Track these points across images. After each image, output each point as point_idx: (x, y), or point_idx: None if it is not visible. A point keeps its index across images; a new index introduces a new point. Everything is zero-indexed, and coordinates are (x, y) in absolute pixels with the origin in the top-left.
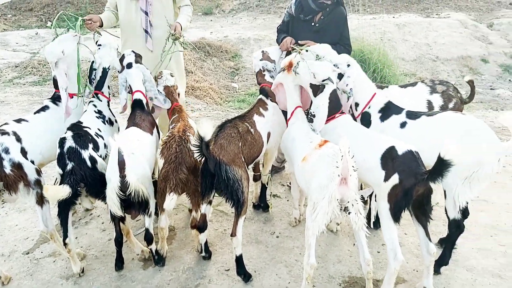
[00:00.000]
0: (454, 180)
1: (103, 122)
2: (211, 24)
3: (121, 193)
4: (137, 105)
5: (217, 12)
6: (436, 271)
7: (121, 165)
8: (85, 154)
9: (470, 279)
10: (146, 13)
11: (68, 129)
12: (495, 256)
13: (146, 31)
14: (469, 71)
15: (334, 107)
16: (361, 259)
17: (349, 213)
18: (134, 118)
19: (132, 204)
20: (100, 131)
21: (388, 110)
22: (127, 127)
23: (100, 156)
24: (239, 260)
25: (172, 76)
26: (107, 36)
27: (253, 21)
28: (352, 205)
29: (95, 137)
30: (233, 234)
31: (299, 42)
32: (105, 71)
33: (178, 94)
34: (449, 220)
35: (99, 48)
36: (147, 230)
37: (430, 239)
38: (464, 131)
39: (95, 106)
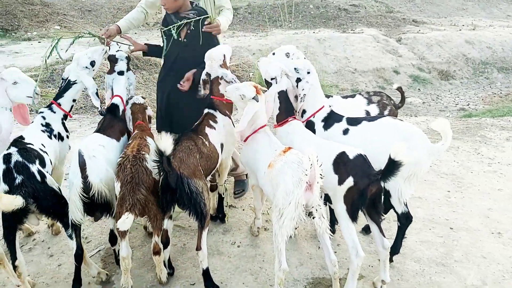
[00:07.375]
0: (395, 181)
1: (49, 137)
2: (136, 37)
3: (84, 195)
4: (111, 110)
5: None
6: (390, 260)
7: (82, 165)
8: (34, 168)
9: (419, 270)
10: None
11: (11, 145)
12: (436, 247)
13: None
14: (384, 82)
15: (287, 110)
16: (327, 260)
17: (313, 218)
18: (102, 124)
19: (96, 206)
20: (44, 146)
21: (330, 118)
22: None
23: (48, 172)
24: (206, 273)
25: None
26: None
27: None
28: (316, 210)
29: (41, 153)
30: (198, 248)
31: None
32: (68, 83)
33: (149, 117)
34: (399, 215)
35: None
36: (111, 231)
37: (384, 235)
38: (402, 135)
39: (43, 118)
